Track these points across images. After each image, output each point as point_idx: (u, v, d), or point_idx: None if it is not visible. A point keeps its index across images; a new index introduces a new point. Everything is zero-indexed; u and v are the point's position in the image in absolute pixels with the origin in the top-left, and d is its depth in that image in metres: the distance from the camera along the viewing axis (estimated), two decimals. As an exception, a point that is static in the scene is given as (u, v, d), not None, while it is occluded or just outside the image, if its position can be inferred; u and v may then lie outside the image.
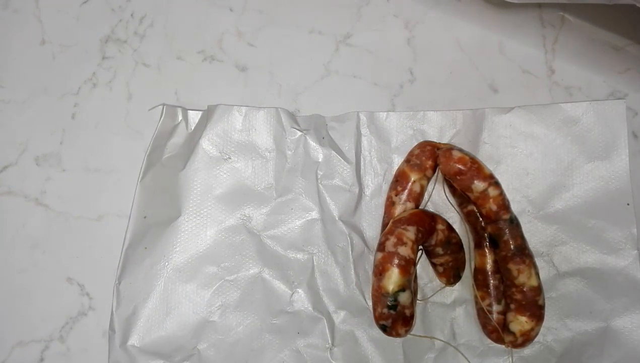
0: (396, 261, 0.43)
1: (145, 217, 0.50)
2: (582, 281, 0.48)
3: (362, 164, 0.51)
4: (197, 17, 0.54)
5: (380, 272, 0.44)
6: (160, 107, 0.51)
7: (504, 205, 0.45)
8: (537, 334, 0.45)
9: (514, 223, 0.45)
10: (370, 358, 0.48)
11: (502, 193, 0.45)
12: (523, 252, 0.45)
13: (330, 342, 0.48)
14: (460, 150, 0.47)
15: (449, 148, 0.47)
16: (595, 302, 0.48)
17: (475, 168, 0.45)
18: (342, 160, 0.50)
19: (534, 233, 0.49)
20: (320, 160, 0.50)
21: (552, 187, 0.49)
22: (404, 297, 0.43)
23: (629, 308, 0.47)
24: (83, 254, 0.51)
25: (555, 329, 0.48)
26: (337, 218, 0.49)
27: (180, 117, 0.51)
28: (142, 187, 0.50)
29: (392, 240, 0.44)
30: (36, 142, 0.52)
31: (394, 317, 0.43)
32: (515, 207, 0.48)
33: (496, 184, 0.45)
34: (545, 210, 0.49)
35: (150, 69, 0.53)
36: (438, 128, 0.51)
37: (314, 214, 0.50)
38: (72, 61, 0.53)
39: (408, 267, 0.44)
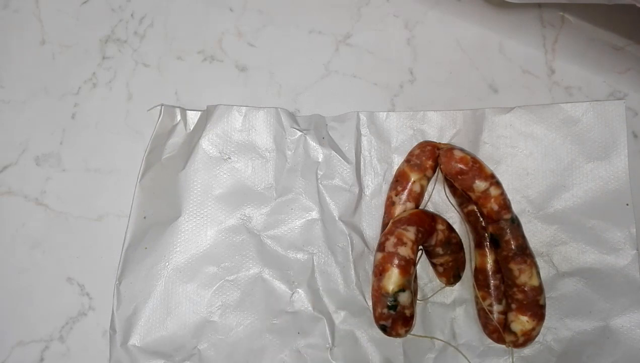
0: (396, 261, 0.43)
1: (145, 217, 0.50)
2: (582, 281, 0.48)
3: (362, 163, 0.51)
4: (197, 17, 0.54)
5: (380, 272, 0.44)
6: (159, 107, 0.51)
7: (505, 204, 0.45)
8: (538, 334, 0.45)
9: (515, 223, 0.45)
10: (371, 359, 0.48)
11: (503, 193, 0.45)
12: (524, 252, 0.45)
13: (330, 342, 0.48)
14: (462, 149, 0.47)
15: (450, 148, 0.47)
16: (594, 302, 0.48)
17: (477, 168, 0.45)
18: (342, 160, 0.50)
19: (534, 233, 0.49)
20: (320, 160, 0.50)
21: (552, 187, 0.49)
22: (403, 297, 0.43)
23: (628, 307, 0.47)
24: (83, 254, 0.51)
25: (555, 329, 0.48)
26: (337, 219, 0.49)
27: (178, 117, 0.51)
28: (141, 187, 0.50)
29: (392, 240, 0.44)
30: (36, 142, 0.52)
31: (394, 317, 0.43)
32: (515, 207, 0.48)
33: (497, 184, 0.45)
34: (545, 210, 0.49)
35: (150, 69, 0.53)
36: (438, 128, 0.51)
37: (314, 214, 0.50)
38: (72, 61, 0.53)
39: (408, 267, 0.44)
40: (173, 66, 0.53)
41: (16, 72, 0.53)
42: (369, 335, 0.48)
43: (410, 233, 0.44)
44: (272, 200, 0.50)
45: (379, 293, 0.44)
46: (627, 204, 0.48)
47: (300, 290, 0.49)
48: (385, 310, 0.43)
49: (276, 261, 0.49)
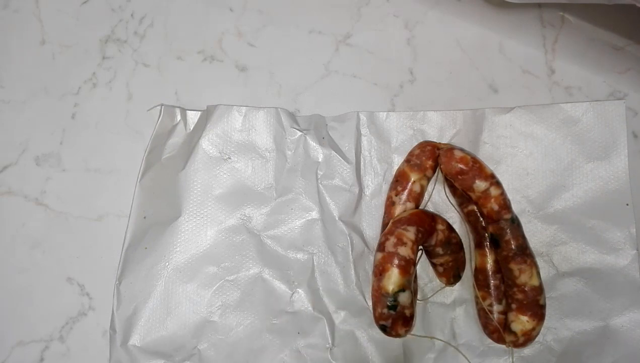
0: (396, 261, 0.43)
1: (145, 217, 0.50)
2: (582, 281, 0.48)
3: (362, 164, 0.51)
4: (197, 17, 0.54)
5: (380, 272, 0.44)
6: (159, 107, 0.51)
7: (505, 204, 0.45)
8: (538, 334, 0.45)
9: (515, 223, 0.45)
10: (371, 359, 0.48)
11: (503, 193, 0.45)
12: (524, 252, 0.45)
13: (330, 342, 0.48)
14: (462, 149, 0.47)
15: (451, 148, 0.47)
16: (594, 302, 0.48)
17: (477, 168, 0.45)
18: (342, 160, 0.50)
19: (534, 233, 0.49)
20: (320, 160, 0.50)
21: (552, 187, 0.49)
22: (403, 297, 0.43)
23: (628, 307, 0.47)
24: (83, 254, 0.51)
25: (555, 329, 0.48)
26: (337, 219, 0.49)
27: (178, 117, 0.51)
28: (141, 187, 0.50)
29: (392, 240, 0.44)
30: (36, 142, 0.52)
31: (394, 317, 0.43)
32: (515, 207, 0.48)
33: (497, 184, 0.45)
34: (545, 210, 0.49)
35: (150, 69, 0.53)
36: (438, 128, 0.51)
37: (314, 214, 0.50)
38: (72, 61, 0.53)
39: (408, 267, 0.44)
40: (173, 66, 0.53)
41: (16, 72, 0.53)
42: (369, 335, 0.48)
43: (410, 233, 0.44)
44: (272, 200, 0.50)
45: (379, 293, 0.44)
46: (627, 204, 0.48)
47: (300, 290, 0.49)
48: (385, 310, 0.43)
49: (276, 261, 0.49)
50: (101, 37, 0.54)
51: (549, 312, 0.46)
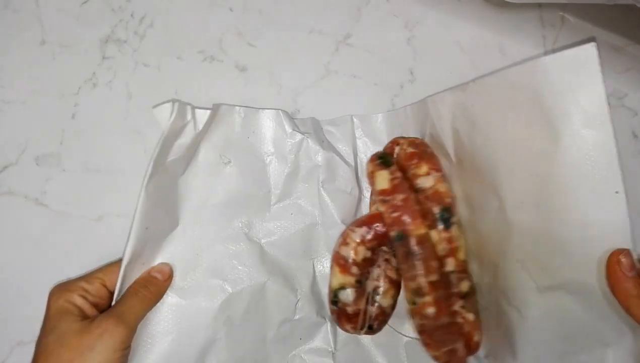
0: (338, 260, 0.46)
1: (147, 228, 0.45)
2: (568, 296, 0.38)
3: (359, 166, 0.50)
4: (197, 17, 0.54)
5: (330, 268, 0.47)
6: (167, 104, 0.47)
7: (393, 223, 0.44)
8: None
9: (399, 241, 0.43)
10: (374, 362, 0.48)
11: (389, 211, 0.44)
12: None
13: (333, 346, 0.48)
14: (378, 157, 0.48)
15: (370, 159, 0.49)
16: (589, 324, 0.37)
17: (372, 181, 0.47)
18: (342, 163, 0.49)
19: (505, 236, 0.41)
20: (320, 163, 0.49)
21: (524, 178, 0.39)
22: (343, 295, 0.46)
23: (632, 330, 0.36)
24: (83, 254, 0.50)
25: (547, 345, 0.40)
26: (337, 222, 0.49)
27: (189, 116, 0.48)
28: (146, 192, 0.45)
29: (340, 239, 0.47)
30: (36, 142, 0.52)
31: (337, 312, 0.46)
32: (485, 205, 0.42)
33: (383, 201, 0.45)
34: (518, 206, 0.40)
35: (150, 69, 0.53)
36: (419, 122, 0.49)
37: (315, 219, 0.49)
38: (72, 61, 0.53)
39: (348, 267, 0.45)
40: (173, 66, 0.53)
41: (16, 72, 0.53)
42: (371, 339, 0.48)
43: (355, 235, 0.46)
44: (272, 206, 0.49)
45: (329, 289, 0.47)
46: (617, 192, 0.35)
47: (302, 296, 0.48)
48: (331, 305, 0.47)
49: (278, 268, 0.48)
50: (101, 37, 0.54)
51: (534, 332, 0.40)
